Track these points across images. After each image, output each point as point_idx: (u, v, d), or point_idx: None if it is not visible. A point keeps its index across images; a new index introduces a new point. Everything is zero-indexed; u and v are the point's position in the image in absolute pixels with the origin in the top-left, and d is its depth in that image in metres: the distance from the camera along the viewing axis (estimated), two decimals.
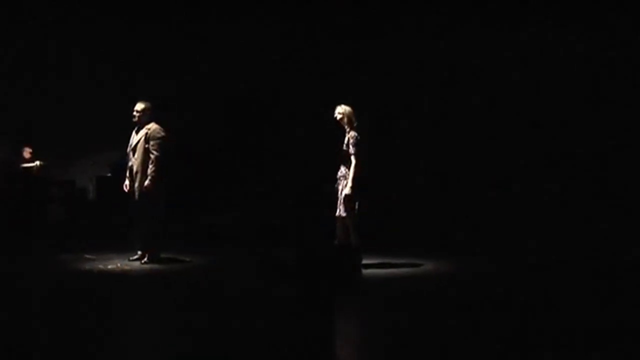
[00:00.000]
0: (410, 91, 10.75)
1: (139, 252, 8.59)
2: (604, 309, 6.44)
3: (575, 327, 5.80)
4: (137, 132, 8.56)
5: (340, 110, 8.28)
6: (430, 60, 10.61)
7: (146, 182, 8.32)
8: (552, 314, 6.23)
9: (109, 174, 11.02)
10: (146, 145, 8.39)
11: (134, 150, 8.49)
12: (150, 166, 8.32)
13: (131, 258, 8.59)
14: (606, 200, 9.79)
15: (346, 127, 8.26)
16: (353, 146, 8.12)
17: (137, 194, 8.41)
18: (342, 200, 8.13)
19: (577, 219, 9.79)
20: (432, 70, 10.56)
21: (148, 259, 8.47)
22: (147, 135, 8.41)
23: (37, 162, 11.00)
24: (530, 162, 10.40)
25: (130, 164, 8.53)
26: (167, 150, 8.40)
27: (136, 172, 8.44)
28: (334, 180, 8.30)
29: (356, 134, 8.17)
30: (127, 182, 8.53)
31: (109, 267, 8.23)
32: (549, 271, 8.16)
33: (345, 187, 8.12)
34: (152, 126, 8.47)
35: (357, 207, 8.13)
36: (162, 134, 8.45)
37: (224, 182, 11.15)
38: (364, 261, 7.93)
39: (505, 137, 10.44)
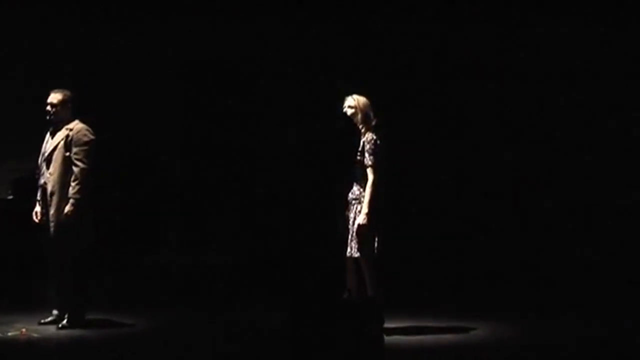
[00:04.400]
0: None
1: (55, 312, 7.86)
2: None
3: None
4: (52, 135, 7.82)
5: (352, 103, 7.48)
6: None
7: (67, 208, 7.61)
8: None
9: (10, 196, 10.40)
10: (67, 154, 7.69)
11: (48, 161, 7.77)
12: (73, 184, 7.61)
13: (43, 320, 7.87)
14: None
15: (360, 126, 7.44)
16: (370, 155, 7.33)
17: (52, 225, 7.68)
18: (354, 234, 7.39)
19: None
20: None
21: (68, 321, 7.74)
22: (69, 139, 7.70)
23: None
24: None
25: (42, 181, 7.83)
26: (97, 161, 7.77)
27: (52, 194, 7.70)
28: (344, 205, 7.60)
29: (375, 137, 7.37)
30: (37, 207, 7.83)
31: (9, 334, 7.64)
32: None
33: (359, 215, 7.36)
34: (76, 126, 7.75)
35: (376, 243, 7.37)
36: (90, 136, 7.72)
37: (183, 204, 10.85)
38: (387, 324, 7.25)
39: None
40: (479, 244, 10.23)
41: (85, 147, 7.62)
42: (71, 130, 7.68)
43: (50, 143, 7.74)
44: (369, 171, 7.30)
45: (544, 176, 10.45)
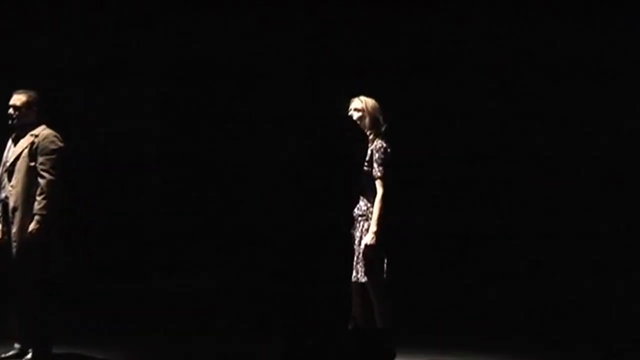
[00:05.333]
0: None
1: (17, 346, 7.53)
2: None
3: None
4: (15, 142, 7.49)
5: (359, 105, 7.23)
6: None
7: (31, 225, 7.24)
8: None
9: None
10: (32, 164, 7.35)
11: (10, 171, 7.43)
12: (39, 199, 7.23)
13: (4, 355, 7.55)
14: None
15: (368, 132, 7.13)
16: (380, 165, 7.09)
17: (15, 245, 7.31)
18: (361, 256, 7.07)
19: None
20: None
21: (33, 356, 7.41)
22: (34, 147, 7.37)
23: None
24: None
25: (3, 195, 7.47)
26: (67, 172, 7.42)
27: (14, 209, 7.34)
28: (349, 222, 6.89)
29: (385, 145, 7.17)
30: None
31: None
32: None
33: (366, 233, 7.07)
34: (42, 132, 7.42)
35: (385, 266, 7.06)
36: (59, 144, 7.38)
37: (163, 220, 10.51)
38: (399, 358, 6.68)
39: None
40: (501, 267, 9.93)
41: (52, 156, 7.23)
42: (37, 136, 7.30)
43: (12, 151, 7.36)
44: (378, 183, 6.97)
45: (566, 195, 10.13)
